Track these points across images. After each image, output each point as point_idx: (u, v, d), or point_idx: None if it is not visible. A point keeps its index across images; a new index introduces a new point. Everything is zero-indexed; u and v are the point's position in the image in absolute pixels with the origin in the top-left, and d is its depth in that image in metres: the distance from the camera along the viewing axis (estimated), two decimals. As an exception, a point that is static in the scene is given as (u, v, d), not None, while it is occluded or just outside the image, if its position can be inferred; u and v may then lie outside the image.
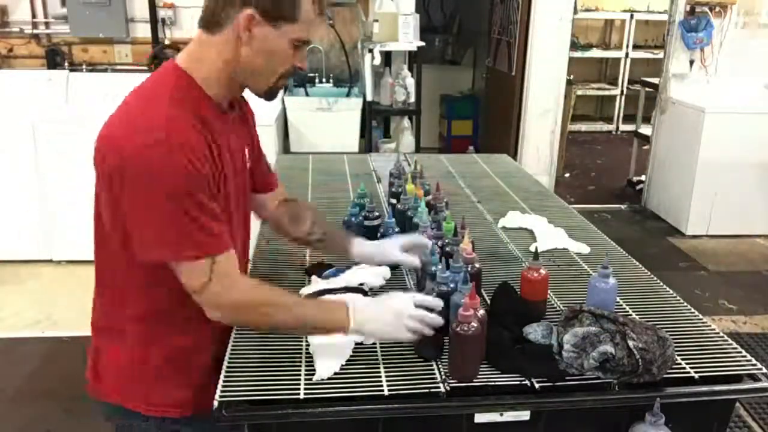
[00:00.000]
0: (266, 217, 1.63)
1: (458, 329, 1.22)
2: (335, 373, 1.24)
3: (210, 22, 1.21)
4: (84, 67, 4.45)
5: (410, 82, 4.39)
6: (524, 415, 1.23)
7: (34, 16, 4.39)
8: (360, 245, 1.58)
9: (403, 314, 1.25)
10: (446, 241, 1.63)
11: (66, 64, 4.42)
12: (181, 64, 1.24)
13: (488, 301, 1.51)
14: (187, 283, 1.19)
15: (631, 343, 1.22)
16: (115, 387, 1.39)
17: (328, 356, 1.27)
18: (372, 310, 1.27)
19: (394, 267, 1.70)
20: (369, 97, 4.35)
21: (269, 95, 1.30)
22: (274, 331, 1.34)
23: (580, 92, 7.43)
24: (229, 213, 1.30)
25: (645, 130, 5.70)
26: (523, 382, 1.24)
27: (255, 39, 1.19)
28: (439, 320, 1.26)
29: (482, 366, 1.27)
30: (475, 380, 1.24)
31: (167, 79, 1.23)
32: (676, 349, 1.30)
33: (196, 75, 1.23)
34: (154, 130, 1.14)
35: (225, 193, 1.27)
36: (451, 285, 1.38)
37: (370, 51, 4.17)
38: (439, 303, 1.29)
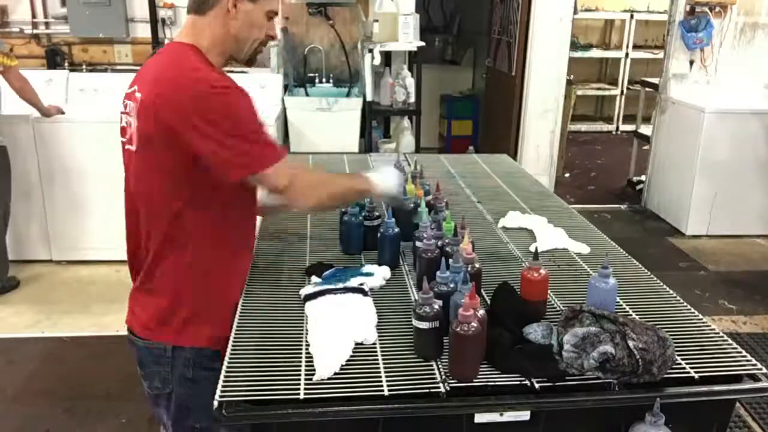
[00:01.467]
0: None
1: (458, 329, 1.22)
2: (335, 373, 1.24)
3: (198, 5, 1.46)
4: (84, 67, 4.45)
5: (410, 82, 4.39)
6: (524, 415, 1.23)
7: (34, 16, 4.39)
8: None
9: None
10: (446, 241, 1.63)
11: (66, 64, 4.42)
12: (186, 41, 1.47)
13: (488, 301, 1.51)
14: (276, 183, 1.43)
15: (631, 343, 1.22)
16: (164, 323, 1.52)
17: (328, 356, 1.27)
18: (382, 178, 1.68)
19: (394, 267, 1.71)
20: (369, 97, 4.35)
21: (250, 61, 1.55)
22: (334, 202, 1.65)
23: (580, 92, 7.43)
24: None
25: (645, 130, 5.70)
26: (523, 382, 1.24)
27: (240, 13, 1.45)
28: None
29: (482, 366, 1.27)
30: (475, 380, 1.24)
31: (185, 52, 1.45)
32: (676, 349, 1.30)
33: (202, 47, 1.46)
34: (211, 76, 1.38)
35: None
36: (451, 285, 1.38)
37: (370, 51, 4.17)
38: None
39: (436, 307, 1.29)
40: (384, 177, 1.69)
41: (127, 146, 1.49)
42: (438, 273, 1.40)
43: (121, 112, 1.51)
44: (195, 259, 1.48)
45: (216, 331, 1.48)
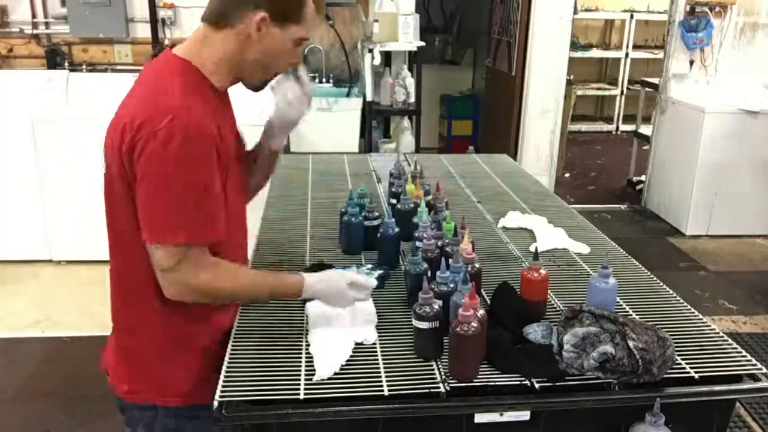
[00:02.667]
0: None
1: (458, 329, 1.22)
2: (335, 373, 1.24)
3: (217, 18, 1.29)
4: (84, 67, 4.45)
5: (410, 82, 4.39)
6: (524, 415, 1.23)
7: (34, 16, 4.39)
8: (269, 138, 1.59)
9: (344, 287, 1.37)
10: (446, 241, 1.63)
11: (66, 64, 4.42)
12: (183, 54, 1.30)
13: (488, 301, 1.51)
14: (160, 260, 1.22)
15: (631, 344, 1.22)
16: (139, 383, 1.41)
17: (328, 356, 1.27)
18: (322, 286, 1.38)
19: (394, 267, 1.71)
20: (369, 97, 4.35)
21: (260, 88, 1.39)
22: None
23: (580, 92, 7.43)
24: (234, 196, 1.37)
25: (645, 130, 5.70)
26: (523, 382, 1.24)
27: (264, 39, 1.27)
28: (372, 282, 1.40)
29: (482, 366, 1.27)
30: (475, 380, 1.24)
31: (174, 69, 1.28)
32: (676, 349, 1.30)
33: (202, 66, 1.30)
34: (164, 110, 1.18)
35: (229, 178, 1.32)
36: (451, 285, 1.38)
37: (370, 51, 4.17)
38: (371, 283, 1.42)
39: (436, 307, 1.29)
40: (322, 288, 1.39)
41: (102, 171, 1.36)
42: (438, 273, 1.40)
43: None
44: (161, 308, 1.32)
45: (196, 387, 1.38)
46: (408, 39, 4.22)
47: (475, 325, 1.22)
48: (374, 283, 1.43)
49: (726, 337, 1.42)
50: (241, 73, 1.33)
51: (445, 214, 1.81)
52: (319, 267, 1.68)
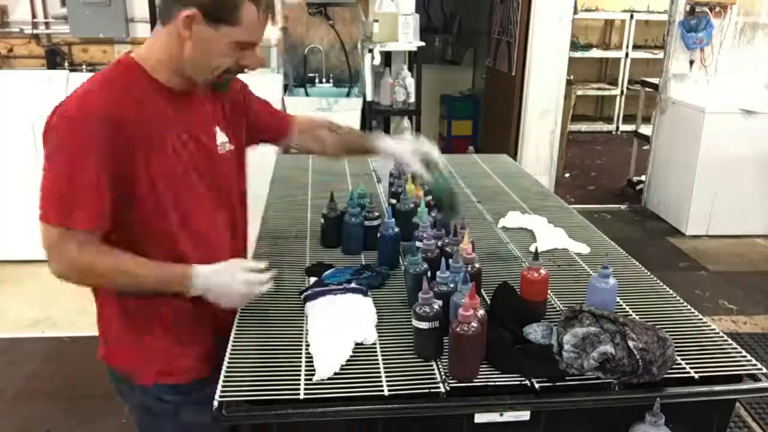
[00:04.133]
0: (295, 148, 1.84)
1: (458, 329, 1.22)
2: (335, 373, 1.24)
3: (161, 13, 1.32)
4: (84, 67, 4.45)
5: (410, 82, 4.39)
6: (524, 415, 1.23)
7: (34, 16, 4.39)
8: (383, 140, 1.77)
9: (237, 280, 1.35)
10: (446, 241, 1.63)
11: (66, 64, 4.42)
12: (135, 54, 1.34)
13: (488, 301, 1.51)
14: (42, 240, 1.27)
15: (631, 344, 1.22)
16: (121, 354, 1.50)
17: (328, 356, 1.27)
18: (217, 282, 1.35)
19: (394, 267, 1.70)
20: (369, 97, 4.35)
21: (213, 87, 1.40)
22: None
23: (580, 92, 7.43)
24: (175, 189, 1.35)
25: (645, 130, 5.71)
26: (523, 382, 1.24)
27: (194, 36, 1.27)
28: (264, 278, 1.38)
29: (482, 366, 1.27)
30: (475, 380, 1.24)
31: (111, 67, 1.34)
32: (676, 349, 1.30)
33: (145, 62, 1.32)
34: (73, 101, 1.25)
35: (150, 169, 1.30)
36: (451, 285, 1.38)
37: (370, 51, 4.17)
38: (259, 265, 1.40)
39: (436, 307, 1.29)
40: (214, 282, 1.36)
41: None
42: (438, 273, 1.40)
43: None
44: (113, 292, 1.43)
45: (165, 365, 1.44)
46: (408, 39, 4.22)
47: (475, 325, 1.22)
48: (266, 278, 1.39)
49: (726, 337, 1.42)
50: (185, 71, 1.33)
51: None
52: (319, 267, 1.69)
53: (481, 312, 1.26)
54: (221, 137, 1.47)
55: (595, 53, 8.10)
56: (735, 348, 1.38)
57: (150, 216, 1.33)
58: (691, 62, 4.97)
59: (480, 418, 1.23)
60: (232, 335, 1.38)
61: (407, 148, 1.72)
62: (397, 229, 1.72)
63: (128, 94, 1.28)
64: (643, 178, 5.58)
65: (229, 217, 1.52)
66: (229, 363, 1.28)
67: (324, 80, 4.69)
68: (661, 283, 1.70)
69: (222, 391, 1.18)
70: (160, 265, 1.34)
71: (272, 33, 4.29)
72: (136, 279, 1.33)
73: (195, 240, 1.41)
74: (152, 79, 1.32)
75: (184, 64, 1.31)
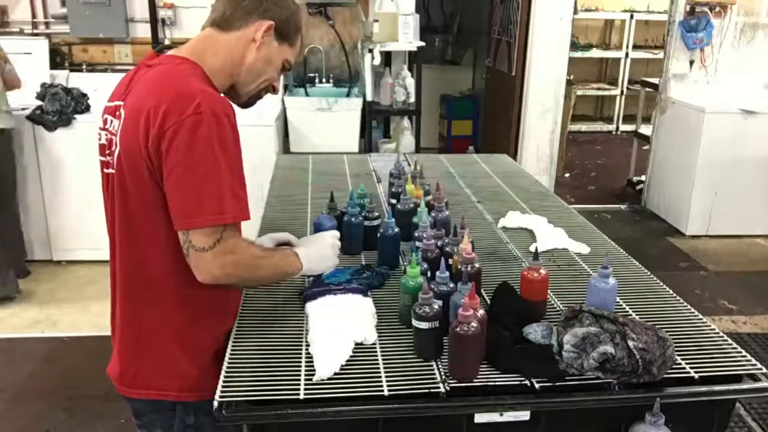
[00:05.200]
0: None
1: (458, 329, 1.22)
2: (335, 373, 1.24)
3: (225, 22, 1.37)
4: (84, 67, 4.45)
5: (410, 82, 4.39)
6: (524, 415, 1.23)
7: (34, 16, 4.39)
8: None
9: (334, 246, 1.55)
10: (446, 240, 1.63)
11: (66, 64, 4.42)
12: (187, 55, 1.35)
13: (488, 301, 1.51)
14: (200, 242, 1.23)
15: (631, 344, 1.22)
16: (151, 381, 1.43)
17: (328, 356, 1.27)
18: (314, 252, 1.50)
19: (394, 267, 1.71)
20: (369, 97, 4.35)
21: (249, 101, 1.47)
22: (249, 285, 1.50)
23: (580, 92, 7.43)
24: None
25: (645, 130, 5.71)
26: (523, 382, 1.24)
27: (264, 46, 1.39)
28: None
29: (482, 366, 1.27)
30: (475, 380, 1.24)
31: (186, 66, 1.33)
32: (676, 349, 1.30)
33: (205, 65, 1.35)
34: (187, 96, 1.22)
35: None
36: (451, 285, 1.38)
37: (370, 51, 4.17)
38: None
39: (436, 307, 1.29)
40: (314, 258, 1.50)
41: (105, 170, 1.37)
42: (438, 273, 1.40)
43: (100, 128, 1.39)
44: (178, 304, 1.35)
45: (210, 382, 1.30)
46: (408, 39, 4.22)
47: (475, 325, 1.22)
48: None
49: (726, 337, 1.42)
50: (237, 78, 1.40)
51: (446, 213, 1.82)
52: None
53: (481, 312, 1.26)
54: None
55: (595, 53, 8.10)
56: (735, 348, 1.38)
57: None
58: (691, 62, 4.97)
59: (480, 418, 1.23)
60: (232, 335, 1.38)
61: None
62: (397, 229, 1.72)
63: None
64: (643, 178, 5.58)
65: None
66: (229, 363, 1.28)
67: (324, 80, 4.69)
68: (661, 283, 1.70)
69: (222, 391, 1.18)
70: (273, 251, 1.47)
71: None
72: (274, 267, 1.41)
73: None
74: (210, 82, 1.35)
75: (242, 72, 1.39)
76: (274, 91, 1.49)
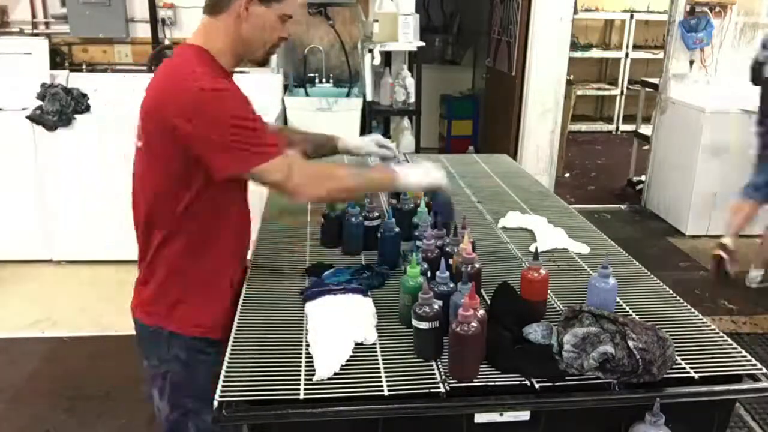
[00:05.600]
0: None
1: (458, 329, 1.22)
2: (335, 373, 1.24)
3: (213, 7, 1.50)
4: (84, 67, 4.45)
5: (410, 82, 4.39)
6: (524, 415, 1.24)
7: (34, 16, 4.39)
8: (344, 141, 2.03)
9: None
10: (446, 240, 1.63)
11: (66, 64, 4.42)
12: (195, 42, 1.50)
13: (488, 301, 1.51)
14: (272, 178, 1.46)
15: (631, 344, 1.22)
16: (156, 309, 1.59)
17: (328, 356, 1.27)
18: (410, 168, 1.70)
19: (394, 267, 1.70)
20: (369, 97, 4.35)
21: (263, 62, 1.59)
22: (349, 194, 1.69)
23: (580, 92, 7.43)
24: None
25: (645, 130, 5.70)
26: (523, 382, 1.24)
27: (251, 16, 1.48)
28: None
29: (482, 366, 1.27)
30: (475, 380, 1.24)
31: (189, 55, 1.49)
32: (676, 349, 1.30)
33: (212, 50, 1.50)
34: (205, 80, 1.40)
35: None
36: (451, 285, 1.38)
37: (370, 51, 4.17)
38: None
39: (436, 307, 1.29)
40: (417, 170, 1.70)
41: (136, 144, 1.56)
42: (438, 273, 1.40)
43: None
44: (187, 250, 1.53)
45: (207, 320, 1.57)
46: (408, 39, 4.22)
47: (475, 325, 1.22)
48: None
49: (726, 337, 1.42)
50: (243, 51, 1.52)
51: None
52: (318, 268, 1.69)
53: (481, 312, 1.26)
54: None
55: (595, 53, 8.10)
56: (735, 348, 1.38)
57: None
58: (691, 62, 4.96)
59: (480, 418, 1.23)
60: (232, 335, 1.38)
61: (366, 140, 2.02)
62: (397, 229, 1.72)
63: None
64: (643, 178, 5.57)
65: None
66: (229, 363, 1.28)
67: (324, 80, 4.69)
68: (661, 283, 1.70)
69: (222, 391, 1.18)
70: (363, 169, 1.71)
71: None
72: (362, 175, 1.63)
73: (245, 207, 1.65)
74: (218, 64, 1.50)
75: (243, 45, 1.51)
76: (285, 40, 1.59)
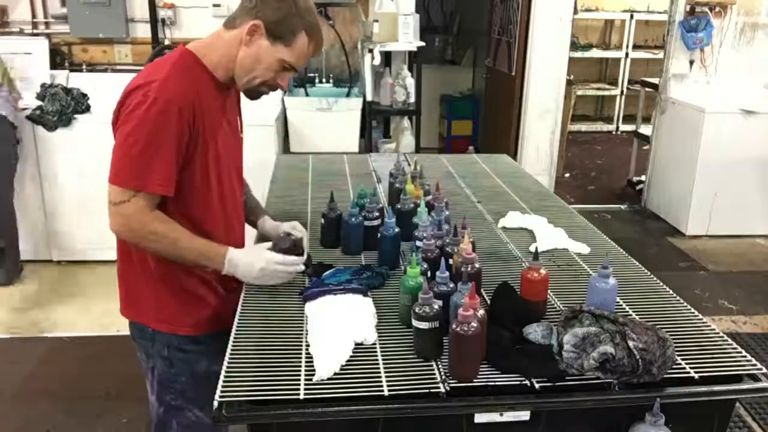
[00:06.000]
0: None
1: (458, 329, 1.22)
2: (335, 373, 1.24)
3: (229, 21, 1.53)
4: (84, 67, 4.45)
5: (410, 82, 4.39)
6: (524, 415, 1.23)
7: (34, 16, 4.39)
8: (263, 223, 1.83)
9: (270, 262, 1.52)
10: (446, 241, 1.63)
11: (66, 64, 4.42)
12: (191, 47, 1.53)
13: (488, 301, 1.51)
14: (110, 198, 1.44)
15: (631, 344, 1.22)
16: (137, 308, 1.63)
17: (328, 356, 1.27)
18: (244, 263, 1.52)
19: (394, 267, 1.71)
20: (369, 97, 4.35)
21: (247, 93, 1.59)
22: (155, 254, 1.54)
23: (580, 92, 7.43)
24: (218, 169, 1.56)
25: (645, 130, 5.70)
26: (523, 382, 1.24)
27: (252, 44, 1.50)
28: (300, 261, 1.56)
29: (482, 366, 1.27)
30: (475, 380, 1.24)
31: (174, 56, 1.52)
32: (676, 349, 1.30)
33: (206, 58, 1.52)
34: (149, 82, 1.42)
35: (207, 152, 1.51)
36: (451, 285, 1.38)
37: (370, 51, 4.17)
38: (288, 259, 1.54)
39: (436, 307, 1.29)
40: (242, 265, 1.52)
41: None
42: (438, 273, 1.40)
43: None
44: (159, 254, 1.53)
45: (188, 320, 1.60)
46: (408, 39, 4.22)
47: (475, 325, 1.22)
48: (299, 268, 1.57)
49: (726, 337, 1.42)
50: (235, 74, 1.53)
51: (446, 213, 1.82)
52: (318, 268, 1.69)
53: (481, 312, 1.26)
54: (238, 124, 1.70)
55: (595, 53, 8.09)
56: (735, 348, 1.38)
57: (198, 193, 1.53)
58: (691, 62, 4.96)
59: (480, 418, 1.23)
60: (232, 335, 1.38)
61: (284, 227, 1.76)
62: (397, 229, 1.72)
63: (194, 87, 1.48)
64: (643, 178, 5.57)
65: (239, 194, 1.73)
66: (229, 363, 1.28)
67: (324, 80, 4.69)
68: (661, 283, 1.70)
69: (222, 391, 1.18)
70: (204, 242, 1.52)
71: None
72: (181, 250, 1.49)
73: (225, 216, 1.62)
74: (210, 74, 1.52)
75: (234, 66, 1.52)
76: (282, 89, 1.60)
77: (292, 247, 1.57)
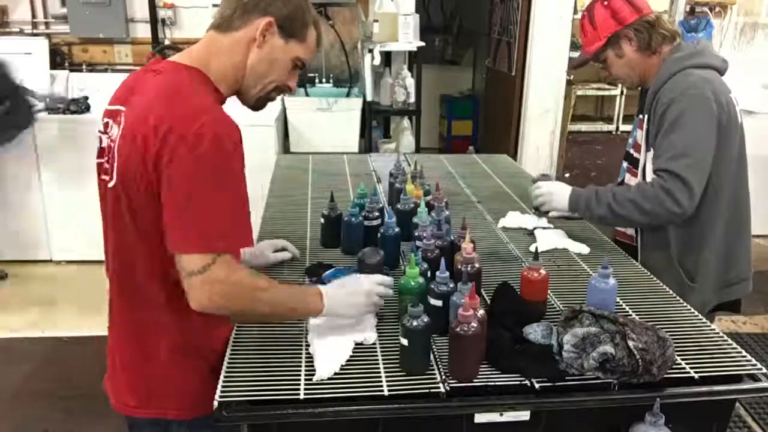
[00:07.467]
0: None
1: (458, 329, 1.22)
2: (335, 373, 1.24)
3: (224, 23, 1.31)
4: (84, 67, 4.45)
5: (410, 82, 4.39)
6: (524, 415, 1.23)
7: (34, 16, 4.39)
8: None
9: (371, 295, 1.36)
10: (446, 241, 1.63)
11: (66, 64, 4.42)
12: (192, 63, 1.30)
13: (488, 301, 1.51)
14: (189, 266, 1.17)
15: (631, 344, 1.22)
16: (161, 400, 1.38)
17: (328, 356, 1.27)
18: (342, 295, 1.34)
19: (394, 267, 1.71)
20: (369, 97, 4.35)
21: (257, 104, 1.40)
22: (248, 319, 1.38)
23: (580, 92, 7.42)
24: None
25: (645, 130, 5.69)
26: (523, 382, 1.24)
27: (266, 44, 1.31)
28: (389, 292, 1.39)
29: (482, 366, 1.27)
30: (475, 380, 1.24)
31: (190, 76, 1.28)
32: (676, 349, 1.30)
33: (207, 70, 1.30)
34: (205, 118, 1.18)
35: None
36: (451, 285, 1.38)
37: (370, 51, 4.17)
38: (389, 281, 1.41)
39: (426, 319, 1.24)
40: (340, 302, 1.35)
41: (103, 176, 1.34)
42: (438, 273, 1.40)
43: (100, 131, 1.34)
44: (171, 314, 1.31)
45: (201, 399, 1.28)
46: (408, 39, 4.22)
47: (475, 325, 1.22)
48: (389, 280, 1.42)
49: (726, 337, 1.42)
50: (242, 81, 1.34)
51: (446, 213, 1.81)
52: (318, 268, 1.69)
53: (481, 312, 1.26)
54: None
55: (595, 53, 8.09)
56: (735, 348, 1.38)
57: None
58: (691, 62, 4.96)
59: (480, 418, 1.23)
60: (232, 335, 1.38)
61: (263, 245, 1.69)
62: (397, 229, 1.72)
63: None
64: (643, 178, 5.57)
65: None
66: (229, 363, 1.28)
67: (324, 80, 4.69)
68: (661, 283, 1.70)
69: (222, 391, 1.18)
70: (287, 285, 1.38)
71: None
72: (286, 299, 1.30)
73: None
74: (217, 90, 1.32)
75: (245, 73, 1.32)
76: (292, 90, 1.43)
77: (380, 263, 1.47)
